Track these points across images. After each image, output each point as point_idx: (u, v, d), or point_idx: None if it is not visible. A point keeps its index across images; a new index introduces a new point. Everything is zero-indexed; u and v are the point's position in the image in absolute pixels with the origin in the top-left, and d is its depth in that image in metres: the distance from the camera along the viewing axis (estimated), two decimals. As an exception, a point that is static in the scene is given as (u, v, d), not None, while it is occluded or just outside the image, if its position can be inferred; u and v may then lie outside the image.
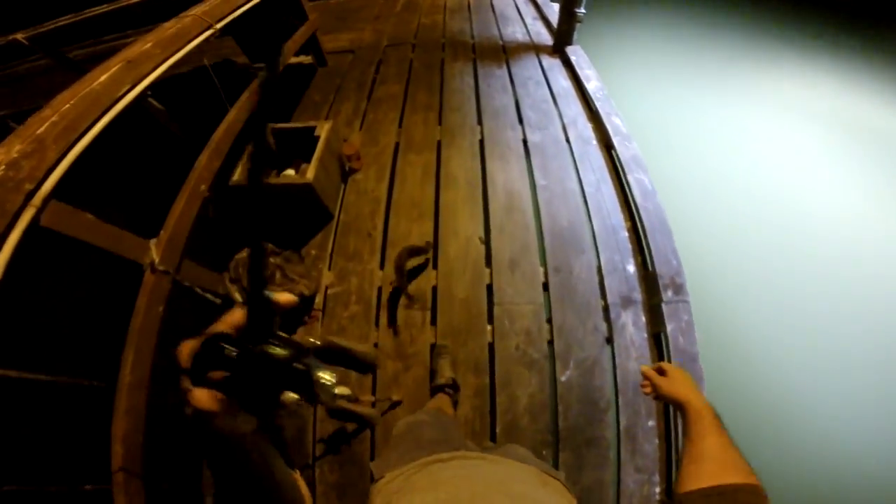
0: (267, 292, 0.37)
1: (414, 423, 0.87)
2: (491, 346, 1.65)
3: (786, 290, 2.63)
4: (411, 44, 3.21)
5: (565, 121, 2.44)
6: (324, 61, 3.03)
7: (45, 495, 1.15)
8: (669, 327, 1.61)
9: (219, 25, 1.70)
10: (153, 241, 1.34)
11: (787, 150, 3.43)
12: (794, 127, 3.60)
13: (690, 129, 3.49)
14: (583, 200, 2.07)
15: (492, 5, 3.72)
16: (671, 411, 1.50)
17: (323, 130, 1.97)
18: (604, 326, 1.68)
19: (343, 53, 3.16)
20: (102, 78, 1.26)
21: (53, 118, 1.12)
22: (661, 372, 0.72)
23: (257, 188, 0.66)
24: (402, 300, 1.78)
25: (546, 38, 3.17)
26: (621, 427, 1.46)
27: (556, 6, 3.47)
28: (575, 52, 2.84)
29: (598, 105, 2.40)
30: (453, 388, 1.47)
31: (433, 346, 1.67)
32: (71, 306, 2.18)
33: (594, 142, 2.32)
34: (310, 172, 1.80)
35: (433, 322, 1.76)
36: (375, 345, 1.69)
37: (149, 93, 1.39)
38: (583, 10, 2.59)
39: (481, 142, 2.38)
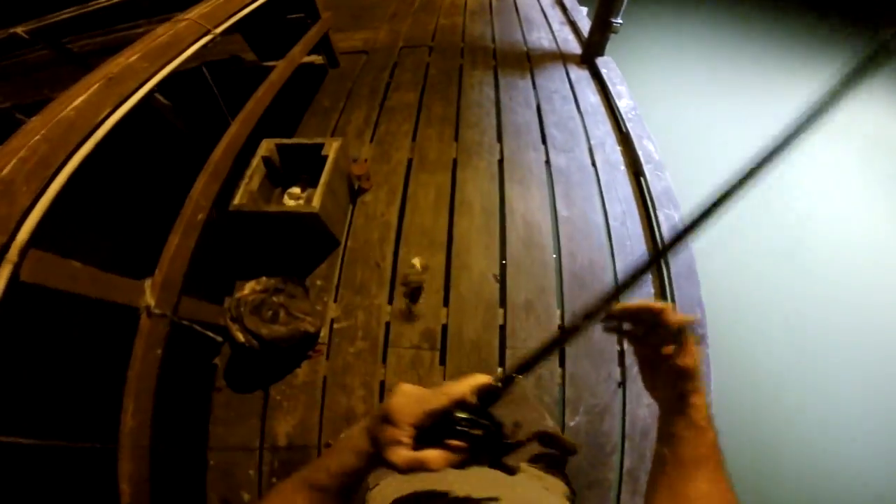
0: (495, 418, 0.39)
1: None
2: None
3: (813, 324, 2.46)
4: (428, 47, 3.02)
5: (592, 143, 2.25)
6: (336, 62, 2.86)
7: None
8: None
9: (218, 30, 1.53)
10: (147, 283, 1.24)
11: (831, 172, 3.19)
12: (835, 148, 3.34)
13: (725, 148, 3.25)
14: (607, 236, 1.90)
15: (515, 7, 3.49)
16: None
17: (331, 150, 1.82)
18: (617, 372, 1.58)
19: (356, 54, 2.98)
20: (78, 101, 1.10)
21: (22, 153, 0.98)
22: (673, 337, 0.49)
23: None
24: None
25: (574, 46, 2.96)
26: (624, 469, 1.41)
27: (584, 9, 3.24)
28: (606, 65, 2.63)
29: (630, 126, 2.20)
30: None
31: None
32: (64, 353, 2.07)
33: (622, 167, 2.13)
34: (315, 200, 1.66)
35: (442, 362, 1.65)
36: (382, 382, 1.60)
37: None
38: (619, 21, 2.37)
39: (500, 162, 2.22)
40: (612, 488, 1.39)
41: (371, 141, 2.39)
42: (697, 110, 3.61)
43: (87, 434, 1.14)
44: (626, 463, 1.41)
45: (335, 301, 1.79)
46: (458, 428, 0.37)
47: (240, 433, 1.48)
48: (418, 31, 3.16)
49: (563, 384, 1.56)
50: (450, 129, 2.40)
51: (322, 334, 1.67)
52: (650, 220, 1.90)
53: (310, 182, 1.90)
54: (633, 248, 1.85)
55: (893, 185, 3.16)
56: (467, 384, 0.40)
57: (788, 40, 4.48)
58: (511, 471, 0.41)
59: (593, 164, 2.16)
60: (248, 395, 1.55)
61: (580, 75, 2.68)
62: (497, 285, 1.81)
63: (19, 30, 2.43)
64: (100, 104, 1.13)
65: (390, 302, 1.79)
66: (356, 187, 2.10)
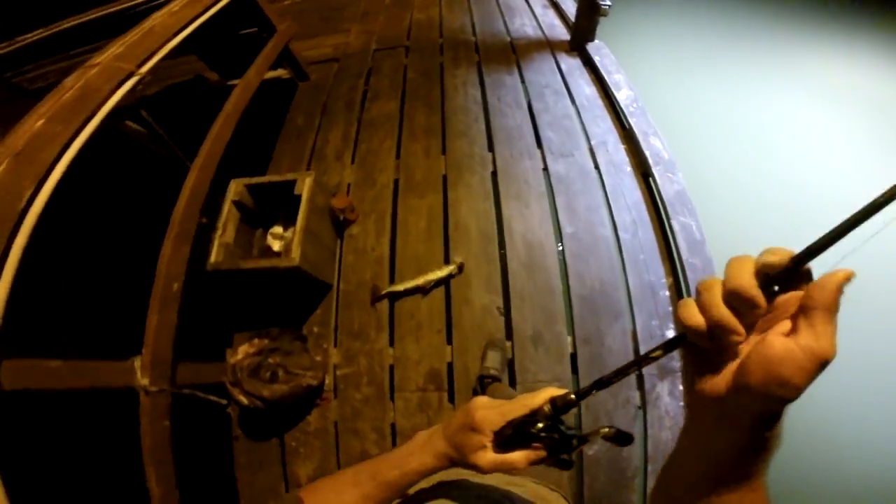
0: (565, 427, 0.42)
1: None
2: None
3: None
4: (404, 46, 2.78)
5: (593, 142, 2.06)
6: (304, 75, 2.63)
7: None
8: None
9: (145, 69, 1.31)
10: (137, 362, 1.23)
11: (840, 143, 2.97)
12: (842, 115, 3.11)
13: (728, 126, 3.02)
14: (617, 250, 1.75)
15: (494, -10, 3.21)
16: None
17: (304, 187, 1.64)
18: (636, 396, 1.50)
19: (327, 63, 2.75)
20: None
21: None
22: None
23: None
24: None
25: (561, 32, 2.71)
26: (648, 491, 1.38)
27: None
28: (598, 51, 2.40)
29: (633, 122, 2.01)
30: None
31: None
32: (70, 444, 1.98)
33: (628, 168, 1.95)
34: (295, 250, 1.50)
35: (451, 400, 1.59)
36: (392, 425, 1.56)
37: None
38: (608, 2, 2.13)
39: (494, 175, 2.03)
40: (637, 509, 1.38)
41: (352, 162, 2.21)
42: (704, 95, 3.29)
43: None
44: (650, 484, 1.40)
45: (335, 346, 1.71)
46: (534, 432, 0.40)
47: (264, 478, 1.52)
48: (392, 29, 2.90)
49: (578, 412, 1.52)
50: (436, 141, 2.21)
51: (327, 381, 1.62)
52: (664, 228, 1.74)
53: (291, 218, 1.75)
54: (647, 262, 1.70)
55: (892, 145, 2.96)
56: (542, 396, 0.42)
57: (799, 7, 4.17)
58: (569, 465, 0.42)
59: (596, 167, 1.98)
60: (265, 442, 1.55)
61: (571, 65, 2.46)
62: (502, 318, 1.68)
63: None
64: (14, 189, 0.95)
65: (391, 344, 1.69)
66: (341, 219, 1.93)
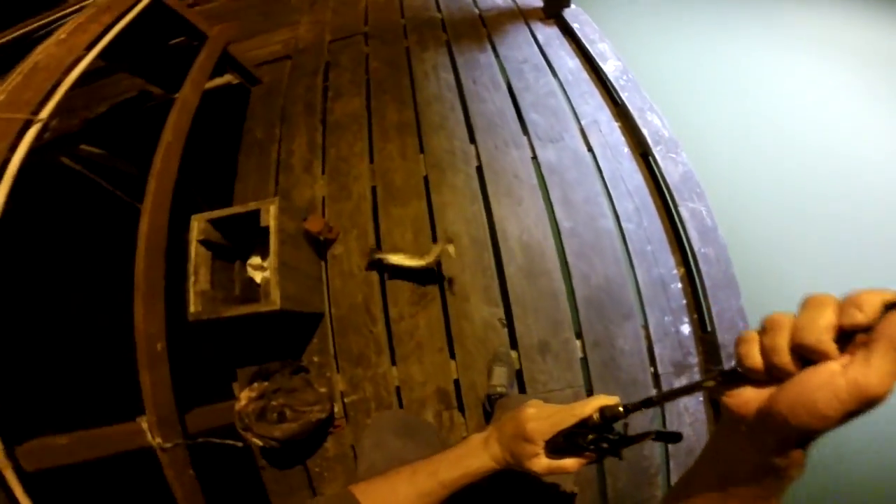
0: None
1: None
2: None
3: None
4: (363, 34, 2.50)
5: (583, 122, 1.88)
6: (254, 79, 2.36)
7: None
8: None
9: (45, 114, 1.06)
10: (143, 421, 1.24)
11: (826, 92, 2.79)
12: (829, 65, 2.91)
13: (728, 93, 2.78)
14: (621, 243, 1.61)
15: (454, -46, 2.89)
16: None
17: (270, 217, 1.46)
18: (654, 394, 1.39)
19: (279, 62, 2.47)
20: None
21: None
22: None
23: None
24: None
25: (533, -3, 2.45)
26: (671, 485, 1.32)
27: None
28: (576, 18, 2.17)
29: (626, 97, 1.82)
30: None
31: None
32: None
33: (625, 149, 1.78)
34: (273, 293, 1.34)
35: (463, 415, 1.51)
36: None
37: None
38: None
39: (479, 170, 1.85)
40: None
41: (323, 173, 2.00)
42: (698, 60, 2.97)
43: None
44: (673, 479, 1.38)
45: (338, 372, 1.62)
46: (582, 441, 0.42)
47: (299, 502, 1.52)
48: (346, 15, 2.60)
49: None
50: (411, 138, 2.00)
51: (336, 409, 1.56)
52: (671, 215, 1.60)
53: (268, 245, 1.60)
54: (655, 253, 1.57)
55: (885, 93, 2.78)
56: (592, 405, 0.44)
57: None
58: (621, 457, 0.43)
59: (590, 150, 1.81)
60: (290, 470, 1.54)
61: (549, 35, 2.23)
62: (505, 330, 1.57)
63: None
64: None
65: (394, 363, 1.60)
66: (321, 239, 1.75)
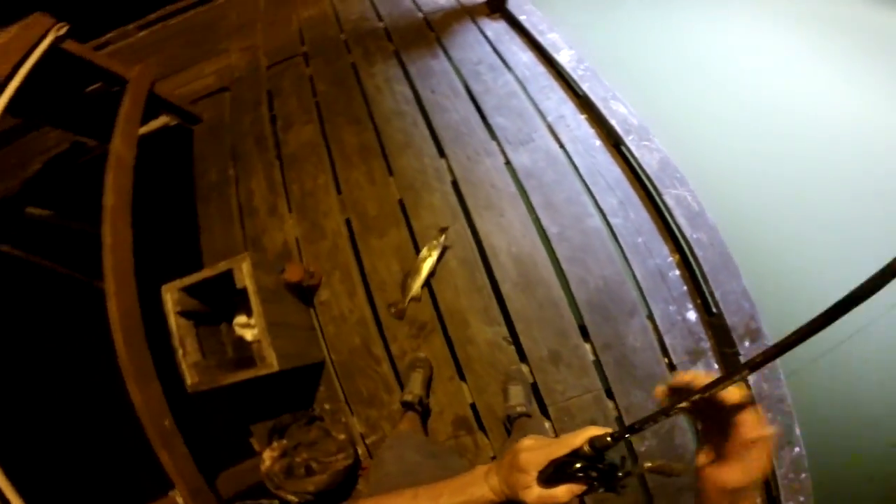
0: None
1: (402, 458, 0.88)
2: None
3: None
4: (301, 54, 2.33)
5: (549, 119, 1.84)
6: (192, 117, 2.16)
7: None
8: (751, 379, 1.37)
9: None
10: (176, 496, 1.21)
11: (784, 60, 2.86)
12: (787, 35, 2.98)
13: (672, 57, 2.79)
14: (612, 239, 1.60)
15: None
16: None
17: (245, 276, 1.34)
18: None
19: (216, 95, 2.27)
20: None
21: None
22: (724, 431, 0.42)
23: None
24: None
25: (474, -9, 2.36)
26: None
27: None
28: (521, 9, 2.11)
29: (587, 88, 1.79)
30: (421, 405, 1.44)
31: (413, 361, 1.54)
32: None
33: (597, 142, 1.76)
34: (269, 355, 1.25)
35: (487, 437, 1.49)
36: None
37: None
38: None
39: (455, 185, 1.78)
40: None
41: (290, 211, 1.87)
42: (654, 37, 2.85)
43: None
44: None
45: (353, 416, 1.57)
46: (573, 471, 0.44)
47: None
48: (279, 37, 2.41)
49: (619, 416, 1.45)
50: (377, 161, 1.90)
51: (360, 451, 1.53)
52: (655, 203, 1.59)
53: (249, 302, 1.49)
54: (647, 244, 1.56)
55: (852, 62, 2.88)
56: (582, 437, 0.45)
57: None
58: (616, 492, 0.46)
59: (561, 146, 1.77)
60: None
61: (497, 30, 2.16)
62: (512, 347, 1.53)
63: None
64: None
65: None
66: (304, 285, 1.64)
